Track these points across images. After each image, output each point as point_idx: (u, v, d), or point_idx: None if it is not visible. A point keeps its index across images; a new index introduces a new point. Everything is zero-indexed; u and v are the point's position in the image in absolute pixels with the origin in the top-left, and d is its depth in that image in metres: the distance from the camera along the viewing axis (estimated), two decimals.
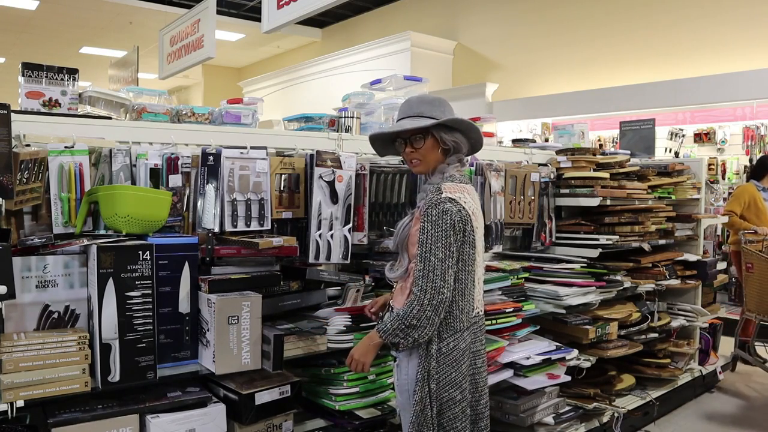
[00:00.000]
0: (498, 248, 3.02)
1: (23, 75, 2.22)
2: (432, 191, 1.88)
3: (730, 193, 6.12)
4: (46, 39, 11.15)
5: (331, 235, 2.40)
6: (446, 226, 1.80)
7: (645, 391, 3.58)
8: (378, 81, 3.49)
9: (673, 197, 3.89)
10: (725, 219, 4.74)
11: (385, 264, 2.07)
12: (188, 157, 2.20)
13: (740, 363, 4.58)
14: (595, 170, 3.37)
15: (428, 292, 1.78)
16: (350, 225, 2.45)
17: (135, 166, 2.10)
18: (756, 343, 4.47)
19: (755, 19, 5.95)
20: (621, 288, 3.31)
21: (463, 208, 1.85)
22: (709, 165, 6.12)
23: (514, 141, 3.82)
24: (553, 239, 3.41)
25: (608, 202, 3.37)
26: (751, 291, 4.33)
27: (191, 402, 1.98)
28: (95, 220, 2.02)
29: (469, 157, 2.15)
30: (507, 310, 2.75)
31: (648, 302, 3.65)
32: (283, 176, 2.41)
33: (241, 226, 2.25)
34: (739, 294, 5.90)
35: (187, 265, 2.02)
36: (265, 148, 2.33)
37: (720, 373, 4.26)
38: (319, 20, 10.87)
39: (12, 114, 1.74)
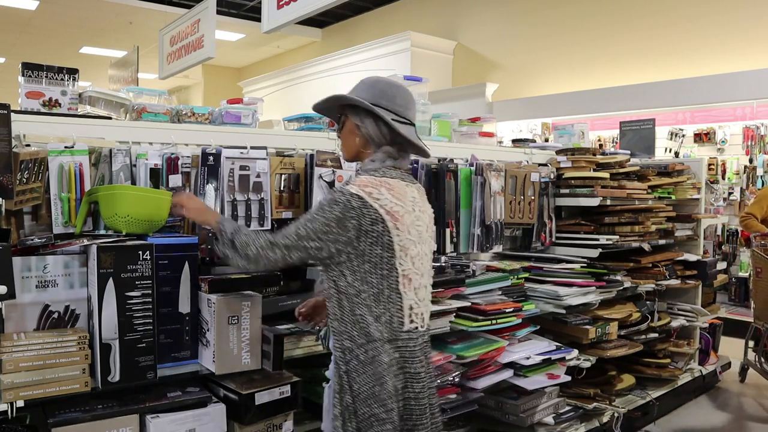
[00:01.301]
0: (498, 248, 3.02)
1: (23, 75, 2.22)
2: (342, 183, 1.73)
3: (730, 193, 6.13)
4: (46, 39, 11.15)
5: None
6: (328, 216, 1.64)
7: (645, 391, 3.58)
8: None
9: (673, 197, 3.89)
10: (725, 219, 4.71)
11: None
12: (188, 157, 2.20)
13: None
14: (595, 170, 3.37)
15: (266, 248, 1.66)
16: None
17: (135, 166, 2.11)
18: None
19: (755, 19, 5.95)
20: (621, 288, 3.31)
21: (371, 206, 1.64)
22: (709, 165, 6.11)
23: (514, 141, 3.83)
24: (553, 239, 3.41)
25: (608, 202, 3.37)
26: (760, 297, 4.17)
27: (191, 402, 1.97)
28: (95, 220, 2.02)
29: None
30: (507, 310, 2.75)
31: (648, 302, 3.64)
32: (283, 176, 2.41)
33: None
34: (739, 294, 5.90)
35: (187, 265, 2.01)
36: (265, 148, 2.33)
37: (720, 373, 4.26)
38: (319, 20, 10.86)
39: (12, 114, 1.74)
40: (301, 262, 1.73)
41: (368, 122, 1.76)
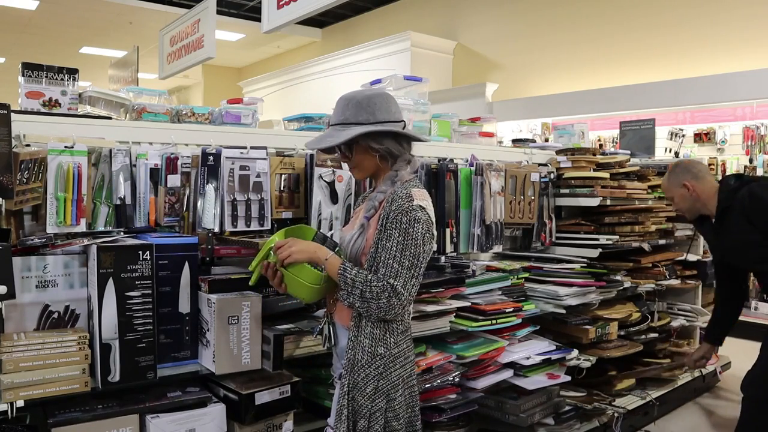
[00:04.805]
0: (498, 248, 3.02)
1: (23, 75, 2.22)
2: (403, 197, 1.71)
3: None
4: (46, 39, 11.16)
5: (331, 235, 2.40)
6: (417, 235, 1.69)
7: (645, 391, 3.58)
8: (378, 81, 3.49)
9: None
10: None
11: None
12: (188, 157, 2.20)
13: None
14: (595, 170, 3.37)
15: (395, 293, 1.65)
16: None
17: (135, 166, 2.11)
18: None
19: (755, 19, 5.95)
20: (621, 288, 3.30)
21: (430, 218, 1.75)
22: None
23: (514, 141, 3.82)
24: (553, 239, 3.41)
25: (608, 202, 3.37)
26: None
27: (191, 402, 1.98)
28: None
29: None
30: (507, 310, 2.75)
31: (648, 302, 3.64)
32: (283, 176, 2.41)
33: (241, 226, 2.25)
34: None
35: (187, 265, 2.02)
36: (265, 148, 2.33)
37: (720, 373, 4.26)
38: (319, 20, 10.87)
39: (12, 114, 1.74)
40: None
41: (387, 141, 1.77)
